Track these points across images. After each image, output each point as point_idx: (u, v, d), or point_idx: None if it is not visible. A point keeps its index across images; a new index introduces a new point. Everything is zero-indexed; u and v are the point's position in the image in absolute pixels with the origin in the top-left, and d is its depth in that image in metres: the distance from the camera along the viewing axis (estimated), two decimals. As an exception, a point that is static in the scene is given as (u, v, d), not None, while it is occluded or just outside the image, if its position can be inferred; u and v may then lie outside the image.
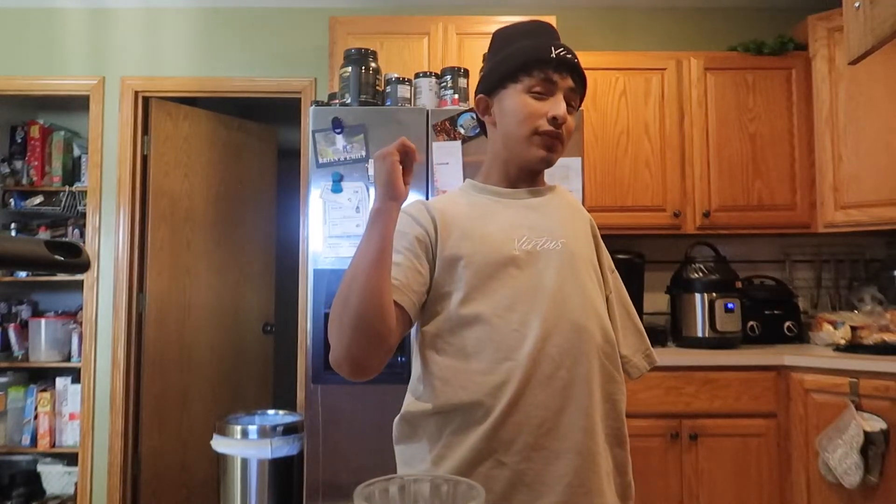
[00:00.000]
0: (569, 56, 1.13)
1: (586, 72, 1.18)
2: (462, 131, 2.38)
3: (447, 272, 1.07)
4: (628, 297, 1.23)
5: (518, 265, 1.07)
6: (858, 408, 2.31)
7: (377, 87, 2.48)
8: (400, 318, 1.04)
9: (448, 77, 2.50)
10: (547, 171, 1.21)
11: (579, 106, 1.19)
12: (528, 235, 1.10)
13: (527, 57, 1.13)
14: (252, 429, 2.75)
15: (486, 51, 1.28)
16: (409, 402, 1.12)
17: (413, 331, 1.14)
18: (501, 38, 1.22)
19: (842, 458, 2.26)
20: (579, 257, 1.11)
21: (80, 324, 3.34)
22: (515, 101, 1.13)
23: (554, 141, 1.12)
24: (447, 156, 2.38)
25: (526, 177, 1.18)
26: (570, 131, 1.14)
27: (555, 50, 1.12)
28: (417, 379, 1.13)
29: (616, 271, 1.23)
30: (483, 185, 1.19)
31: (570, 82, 1.13)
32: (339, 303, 0.99)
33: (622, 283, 1.23)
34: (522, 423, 1.02)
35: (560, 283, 1.07)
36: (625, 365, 1.17)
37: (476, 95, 1.21)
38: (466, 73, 2.54)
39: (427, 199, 2.36)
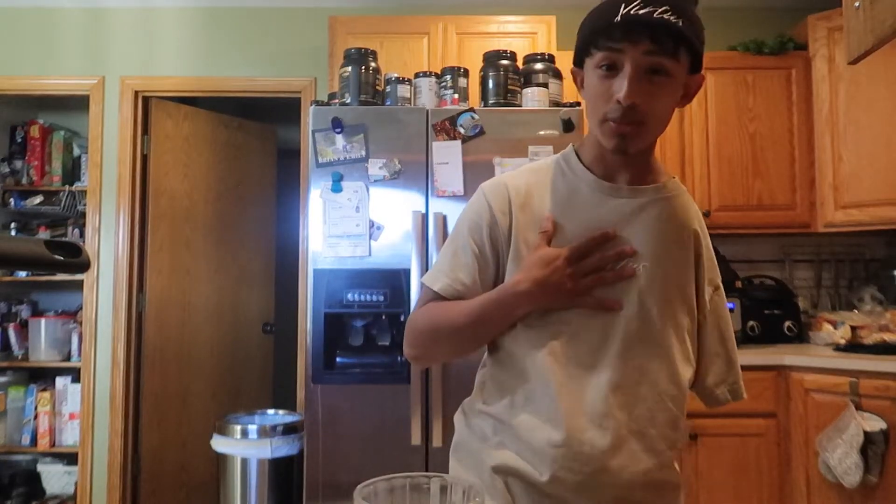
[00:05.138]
0: (643, 11, 0.88)
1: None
2: (462, 131, 2.38)
3: None
4: (728, 321, 1.09)
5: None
6: (858, 407, 2.31)
7: (377, 87, 2.48)
8: None
9: (448, 77, 2.50)
10: None
11: (698, 66, 0.97)
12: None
13: (593, 24, 0.94)
14: (252, 429, 2.74)
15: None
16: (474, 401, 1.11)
17: None
18: None
19: (842, 457, 2.26)
20: (661, 284, 0.99)
21: (80, 323, 3.34)
22: (588, 80, 0.97)
23: (622, 127, 0.93)
24: (447, 155, 2.38)
25: (621, 163, 1.00)
26: (657, 109, 0.94)
27: (625, 7, 0.89)
28: (482, 377, 1.11)
29: (720, 287, 1.08)
30: (579, 164, 1.03)
31: (645, 46, 0.90)
32: (435, 329, 1.05)
33: (724, 302, 1.09)
34: (571, 463, 0.97)
35: (630, 318, 0.97)
36: (705, 395, 1.09)
37: (572, 69, 1.04)
38: (466, 73, 2.53)
39: (426, 199, 2.37)
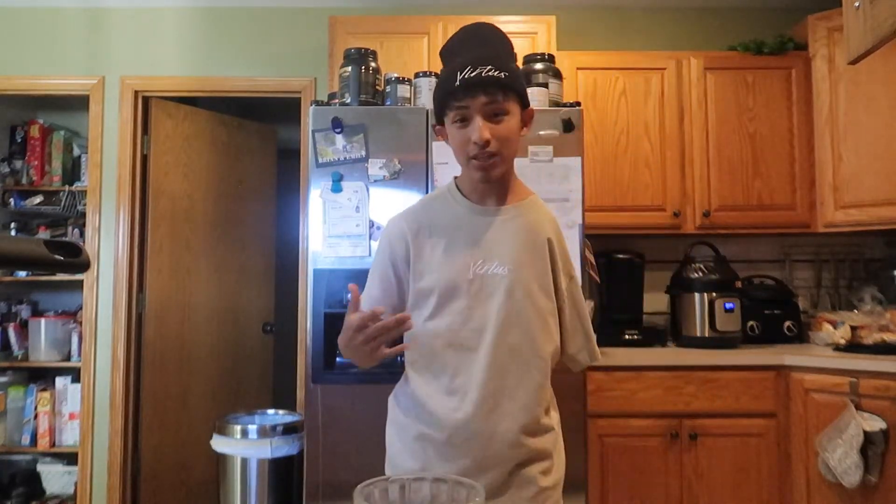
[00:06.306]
0: (473, 74, 1.20)
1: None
2: (462, 131, 2.38)
3: (416, 295, 1.31)
4: (582, 302, 1.40)
5: (470, 290, 1.27)
6: (858, 407, 2.31)
7: (377, 87, 2.48)
8: None
9: (448, 77, 2.50)
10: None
11: (526, 103, 1.28)
12: (484, 259, 1.28)
13: (442, 91, 1.24)
14: (252, 428, 2.74)
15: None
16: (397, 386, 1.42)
17: None
18: (441, 59, 1.39)
19: (841, 457, 2.27)
20: (523, 282, 1.27)
21: (80, 323, 3.34)
22: (450, 133, 1.28)
23: (484, 161, 1.24)
24: (447, 155, 2.37)
25: (487, 190, 1.31)
26: (506, 140, 1.24)
27: (460, 74, 1.21)
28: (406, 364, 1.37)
29: (574, 277, 1.38)
30: (459, 194, 1.34)
31: (482, 99, 1.20)
32: (343, 346, 1.27)
33: (579, 288, 1.40)
34: (461, 423, 1.25)
35: (499, 308, 1.26)
36: (568, 361, 1.39)
37: (435, 126, 1.34)
38: (466, 73, 2.53)
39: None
